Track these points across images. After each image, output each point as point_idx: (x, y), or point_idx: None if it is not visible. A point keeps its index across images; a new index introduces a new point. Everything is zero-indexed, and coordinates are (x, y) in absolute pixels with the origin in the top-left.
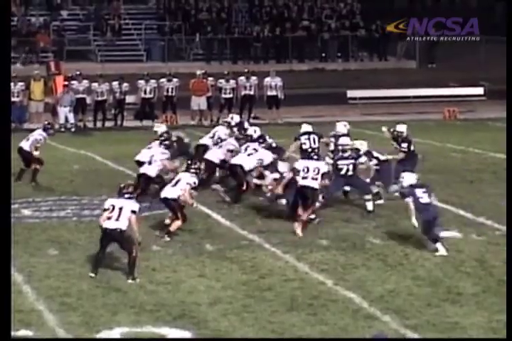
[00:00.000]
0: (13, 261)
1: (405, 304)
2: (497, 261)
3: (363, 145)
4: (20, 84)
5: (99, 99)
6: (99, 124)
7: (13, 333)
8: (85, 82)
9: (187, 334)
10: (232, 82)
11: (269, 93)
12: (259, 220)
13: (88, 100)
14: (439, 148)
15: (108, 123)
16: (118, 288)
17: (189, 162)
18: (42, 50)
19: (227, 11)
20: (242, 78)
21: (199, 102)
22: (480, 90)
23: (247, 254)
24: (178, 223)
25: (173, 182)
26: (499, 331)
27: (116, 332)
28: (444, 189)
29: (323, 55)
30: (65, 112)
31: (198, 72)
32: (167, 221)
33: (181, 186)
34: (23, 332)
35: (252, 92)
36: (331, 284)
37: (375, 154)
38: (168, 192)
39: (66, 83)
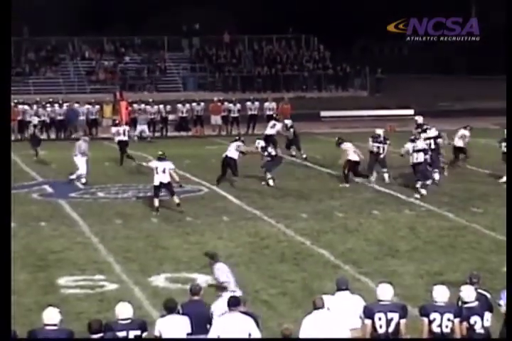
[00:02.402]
0: (90, 227)
1: (359, 258)
2: (422, 229)
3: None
4: (97, 106)
5: (150, 117)
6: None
7: (90, 277)
8: (142, 105)
9: (210, 278)
10: (238, 105)
11: (268, 113)
12: (260, 200)
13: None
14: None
15: (156, 134)
16: (164, 246)
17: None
18: (111, 83)
19: (238, 56)
20: (249, 103)
21: (216, 119)
22: (411, 111)
23: (252, 223)
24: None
25: (161, 170)
26: (424, 276)
27: (162, 277)
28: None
29: (304, 87)
30: (142, 128)
31: (215, 99)
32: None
33: (168, 172)
34: (98, 277)
35: (255, 112)
36: (309, 244)
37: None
38: (163, 178)
39: (128, 106)
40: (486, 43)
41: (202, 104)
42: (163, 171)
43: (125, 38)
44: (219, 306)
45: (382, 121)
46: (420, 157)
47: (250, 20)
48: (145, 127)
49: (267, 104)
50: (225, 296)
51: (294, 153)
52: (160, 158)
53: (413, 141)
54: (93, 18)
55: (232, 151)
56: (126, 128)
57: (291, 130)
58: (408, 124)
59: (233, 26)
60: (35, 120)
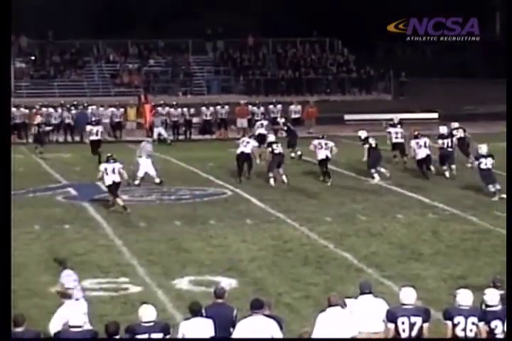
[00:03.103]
0: (114, 230)
1: (383, 261)
2: (446, 232)
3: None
4: (121, 109)
5: (174, 119)
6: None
7: (114, 279)
8: (166, 108)
9: (233, 281)
10: (262, 108)
11: (293, 116)
12: (283, 203)
13: (167, 121)
14: None
15: (180, 137)
16: (187, 249)
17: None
18: (135, 86)
19: (261, 60)
20: (271, 106)
21: (242, 122)
22: (435, 115)
23: (275, 226)
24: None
25: (110, 171)
26: (447, 280)
27: (185, 280)
28: (410, 182)
29: (328, 90)
30: (159, 130)
31: (242, 102)
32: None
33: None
34: (121, 279)
35: (278, 115)
36: (332, 247)
37: None
38: (115, 177)
39: (152, 109)
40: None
41: (226, 107)
42: (113, 171)
43: (149, 41)
44: (60, 314)
45: (405, 125)
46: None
47: (274, 23)
48: (162, 129)
49: (292, 107)
50: (69, 304)
51: (299, 152)
52: (107, 160)
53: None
54: (117, 21)
55: (249, 147)
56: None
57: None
58: (432, 128)
59: (257, 29)
60: (38, 119)
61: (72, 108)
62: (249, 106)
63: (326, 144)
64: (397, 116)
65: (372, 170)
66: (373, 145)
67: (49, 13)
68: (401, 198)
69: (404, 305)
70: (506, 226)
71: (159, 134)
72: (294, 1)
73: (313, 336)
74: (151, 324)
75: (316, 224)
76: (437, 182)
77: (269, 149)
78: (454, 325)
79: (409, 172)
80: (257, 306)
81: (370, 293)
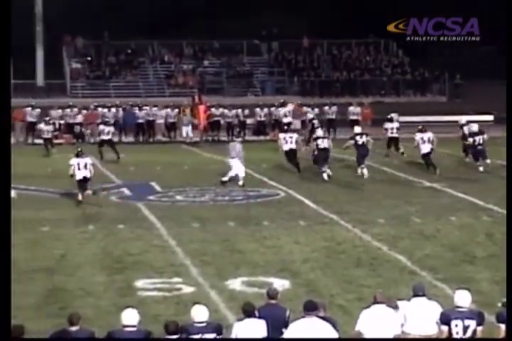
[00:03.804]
0: (168, 230)
1: (436, 264)
2: (499, 235)
3: None
4: (175, 110)
5: (228, 120)
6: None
7: (167, 280)
8: (220, 109)
9: (286, 283)
10: (316, 109)
11: (352, 117)
12: (336, 204)
13: (222, 122)
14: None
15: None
16: (240, 250)
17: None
18: (190, 87)
19: (316, 61)
20: (326, 107)
21: (295, 123)
22: (490, 117)
23: (328, 228)
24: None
25: (82, 166)
26: (500, 283)
27: (238, 280)
28: (462, 184)
29: (382, 92)
30: (186, 130)
31: (294, 102)
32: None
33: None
34: (175, 280)
35: (333, 117)
36: (386, 249)
37: None
38: (85, 173)
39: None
40: None
41: (279, 108)
42: (85, 167)
43: (204, 42)
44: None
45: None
46: None
47: (329, 24)
48: (189, 129)
49: (351, 109)
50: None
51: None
52: (78, 155)
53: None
54: (172, 22)
55: (294, 143)
56: None
57: (313, 122)
58: (488, 130)
59: (312, 31)
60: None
61: (127, 108)
62: (304, 108)
63: (428, 138)
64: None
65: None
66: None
67: (105, 14)
68: (454, 200)
69: (459, 307)
70: (506, 227)
71: (186, 134)
72: (350, 2)
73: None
74: (204, 324)
75: (369, 225)
76: (489, 183)
77: (315, 143)
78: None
79: (461, 175)
80: (310, 308)
81: (423, 295)
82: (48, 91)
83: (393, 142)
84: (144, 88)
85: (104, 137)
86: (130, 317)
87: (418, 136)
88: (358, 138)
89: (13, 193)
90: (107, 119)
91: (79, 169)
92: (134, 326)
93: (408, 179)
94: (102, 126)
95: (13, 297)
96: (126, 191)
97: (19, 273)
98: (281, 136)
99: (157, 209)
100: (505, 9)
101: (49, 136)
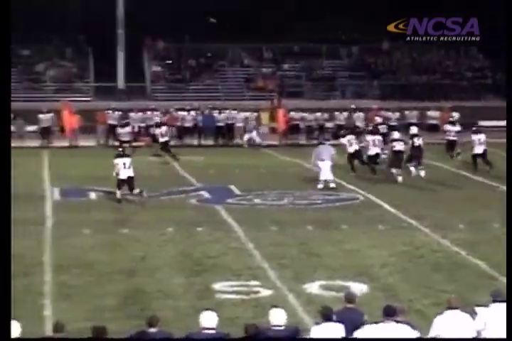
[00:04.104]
0: (246, 233)
1: None
2: None
3: None
4: (255, 114)
5: (308, 124)
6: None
7: (245, 282)
8: (300, 113)
9: (364, 287)
10: (396, 113)
11: (430, 122)
12: (414, 208)
13: (301, 125)
14: None
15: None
16: (318, 254)
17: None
18: (269, 90)
19: (396, 64)
20: (407, 112)
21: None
22: None
23: (406, 232)
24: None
25: (127, 166)
26: None
27: (316, 284)
28: None
29: (463, 96)
30: (250, 135)
31: (374, 106)
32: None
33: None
34: (253, 283)
35: (414, 121)
36: (464, 254)
37: None
38: (129, 172)
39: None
40: None
41: (359, 112)
42: (129, 166)
43: (284, 46)
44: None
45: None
46: None
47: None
48: (254, 134)
49: (429, 113)
50: None
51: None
52: (121, 155)
53: None
54: (252, 26)
55: (354, 146)
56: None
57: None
58: None
59: (392, 34)
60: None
61: (206, 111)
62: (382, 112)
63: (481, 139)
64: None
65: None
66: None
67: (186, 17)
68: None
69: None
70: (506, 227)
71: (250, 138)
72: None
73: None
74: (282, 328)
75: (448, 230)
76: None
77: (391, 145)
78: None
79: None
80: (390, 313)
81: (503, 301)
82: (128, 94)
83: (451, 145)
84: (223, 91)
85: (163, 139)
86: (209, 320)
87: (474, 137)
88: (415, 139)
89: (93, 195)
90: (186, 123)
91: (124, 168)
92: (212, 328)
93: (485, 183)
94: (119, 129)
95: (94, 298)
96: (205, 194)
97: (99, 274)
98: (344, 139)
99: (236, 212)
100: (505, 9)
101: (126, 138)
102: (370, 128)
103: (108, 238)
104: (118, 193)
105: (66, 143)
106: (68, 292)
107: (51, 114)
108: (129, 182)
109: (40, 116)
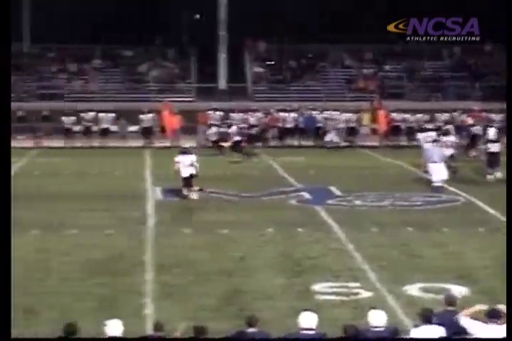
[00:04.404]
0: (346, 235)
1: None
2: None
3: None
4: (356, 115)
5: (409, 125)
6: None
7: (345, 284)
8: (401, 114)
9: (464, 289)
10: (500, 115)
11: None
12: None
13: (402, 126)
14: None
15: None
16: (419, 256)
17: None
18: (370, 91)
19: (499, 65)
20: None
21: (476, 128)
22: None
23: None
24: None
25: (188, 164)
26: None
27: (416, 286)
28: None
29: None
30: (331, 136)
31: (475, 108)
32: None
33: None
34: (352, 284)
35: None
36: None
37: None
38: (192, 170)
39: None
40: None
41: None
42: (191, 164)
43: (385, 46)
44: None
45: None
46: None
47: None
48: (334, 135)
49: None
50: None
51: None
52: (183, 152)
53: None
54: (353, 26)
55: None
56: None
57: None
58: None
59: (494, 35)
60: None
61: (307, 112)
62: (483, 113)
63: None
64: None
65: None
66: None
67: (287, 18)
68: None
69: None
70: (506, 226)
71: (331, 140)
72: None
73: None
74: (381, 329)
75: None
76: None
77: (486, 147)
78: None
79: None
80: (494, 315)
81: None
82: (229, 95)
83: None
84: (324, 92)
85: (234, 139)
86: (308, 320)
87: None
88: (489, 145)
89: (194, 195)
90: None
91: (185, 166)
92: (312, 329)
93: None
94: (234, 128)
95: (193, 298)
96: (305, 195)
97: (199, 274)
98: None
99: (336, 214)
100: (505, 9)
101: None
102: (446, 129)
103: (208, 238)
104: (185, 191)
105: (167, 143)
106: (169, 291)
107: (152, 115)
108: (190, 179)
109: (141, 116)
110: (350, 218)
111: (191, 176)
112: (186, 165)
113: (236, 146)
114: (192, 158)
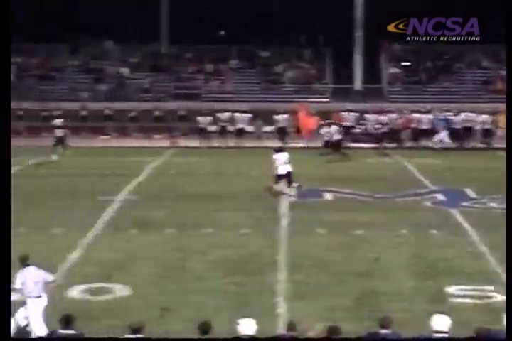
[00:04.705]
0: (481, 237)
1: None
2: None
3: None
4: (492, 116)
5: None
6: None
7: (479, 287)
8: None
9: None
10: None
11: None
12: None
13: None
14: None
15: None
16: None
17: None
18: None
19: None
20: None
21: None
22: None
23: None
24: None
25: (284, 161)
26: None
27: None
28: None
29: None
30: (441, 137)
31: None
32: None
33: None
34: (487, 287)
35: None
36: None
37: None
38: (288, 167)
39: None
40: None
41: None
42: (287, 161)
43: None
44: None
45: None
46: None
47: None
48: (444, 135)
49: None
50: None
51: None
52: (279, 150)
53: None
54: (491, 27)
55: None
56: None
57: None
58: None
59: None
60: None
61: (441, 114)
62: None
63: None
64: None
65: None
66: None
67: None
68: None
69: None
70: (506, 226)
71: (441, 141)
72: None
73: None
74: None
75: None
76: None
77: None
78: None
79: None
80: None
81: None
82: (364, 96)
83: None
84: (460, 94)
85: (335, 138)
86: (442, 323)
87: None
88: None
89: (328, 196)
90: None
91: (281, 164)
92: (445, 332)
93: None
94: (334, 127)
95: (327, 298)
96: (440, 196)
97: (333, 274)
98: None
99: (470, 216)
100: (505, 9)
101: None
102: None
103: (342, 238)
104: (275, 187)
105: (302, 144)
106: (302, 291)
107: (287, 115)
108: (288, 176)
109: (277, 116)
110: (484, 221)
111: (289, 173)
112: (282, 162)
113: (336, 146)
114: (287, 155)
